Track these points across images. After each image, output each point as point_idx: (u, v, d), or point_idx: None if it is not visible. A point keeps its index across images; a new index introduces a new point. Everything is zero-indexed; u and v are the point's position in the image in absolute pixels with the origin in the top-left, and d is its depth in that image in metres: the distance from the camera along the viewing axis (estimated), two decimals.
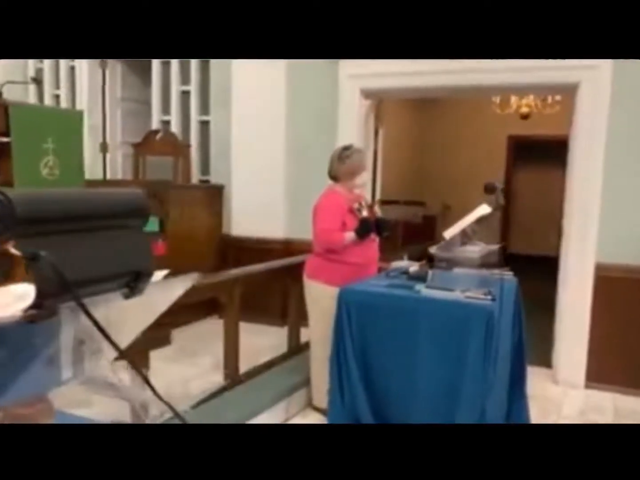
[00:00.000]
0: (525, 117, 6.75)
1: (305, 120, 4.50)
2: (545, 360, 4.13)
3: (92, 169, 5.55)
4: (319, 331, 3.10)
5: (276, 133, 4.54)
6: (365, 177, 3.23)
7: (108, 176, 5.48)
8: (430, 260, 3.14)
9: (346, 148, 3.14)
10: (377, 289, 2.81)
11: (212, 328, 4.15)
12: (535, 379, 3.84)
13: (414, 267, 3.08)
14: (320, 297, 3.07)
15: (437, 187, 8.90)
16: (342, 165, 3.07)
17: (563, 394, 3.77)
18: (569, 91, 3.84)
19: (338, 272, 3.05)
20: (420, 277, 2.97)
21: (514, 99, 6.57)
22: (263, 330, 4.44)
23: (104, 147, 5.49)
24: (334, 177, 3.14)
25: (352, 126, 4.29)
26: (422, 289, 2.72)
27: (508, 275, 3.21)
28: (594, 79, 3.62)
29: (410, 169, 8.59)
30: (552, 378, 3.99)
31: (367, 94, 4.29)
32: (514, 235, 9.49)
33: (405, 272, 3.10)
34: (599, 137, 3.67)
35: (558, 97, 6.23)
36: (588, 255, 3.76)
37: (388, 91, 4.24)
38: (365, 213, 3.10)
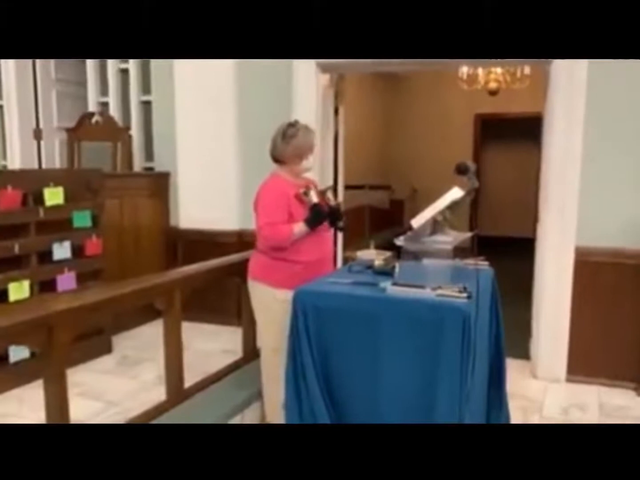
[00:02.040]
0: (493, 93, 6.43)
1: (256, 98, 4.07)
2: (523, 351, 3.85)
3: (25, 157, 5.03)
4: (269, 340, 2.72)
5: (225, 113, 4.10)
6: (312, 160, 2.81)
7: (43, 165, 4.98)
8: (398, 252, 2.78)
9: (291, 125, 2.71)
10: (336, 289, 2.43)
11: (161, 332, 3.75)
12: (513, 373, 3.54)
13: (379, 260, 2.71)
14: (268, 302, 2.68)
15: (404, 170, 8.56)
16: (286, 146, 2.65)
17: (544, 389, 3.49)
18: (542, 63, 3.51)
19: (287, 272, 2.64)
20: (387, 272, 2.62)
21: (481, 74, 6.23)
22: (217, 332, 4.05)
23: (37, 134, 4.96)
24: (277, 159, 2.72)
25: (309, 104, 3.88)
26: (388, 287, 2.36)
27: (483, 265, 2.88)
28: None
29: (376, 150, 8.23)
30: (531, 372, 3.71)
31: (324, 67, 3.88)
32: (484, 217, 9.24)
33: (370, 267, 2.74)
34: (577, 112, 3.35)
35: (527, 71, 5.92)
36: (567, 239, 3.46)
37: (347, 64, 3.84)
38: (315, 198, 2.68)
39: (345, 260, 4.43)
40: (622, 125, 3.31)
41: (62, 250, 3.22)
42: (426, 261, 2.74)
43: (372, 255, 2.88)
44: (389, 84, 8.30)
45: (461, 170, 2.50)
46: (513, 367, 3.66)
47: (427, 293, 2.30)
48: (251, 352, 3.29)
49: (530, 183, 6.07)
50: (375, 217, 5.85)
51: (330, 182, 4.14)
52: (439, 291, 2.29)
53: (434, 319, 2.22)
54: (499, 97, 6.92)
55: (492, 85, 6.21)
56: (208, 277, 3.06)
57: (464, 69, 6.22)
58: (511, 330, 3.92)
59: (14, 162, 4.98)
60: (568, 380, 3.55)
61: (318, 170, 3.89)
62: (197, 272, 2.94)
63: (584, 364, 3.50)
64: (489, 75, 6.19)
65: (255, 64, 3.98)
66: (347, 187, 5.96)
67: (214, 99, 4.10)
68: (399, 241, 2.60)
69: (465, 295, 2.24)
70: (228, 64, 4.02)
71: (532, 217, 4.27)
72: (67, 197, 3.27)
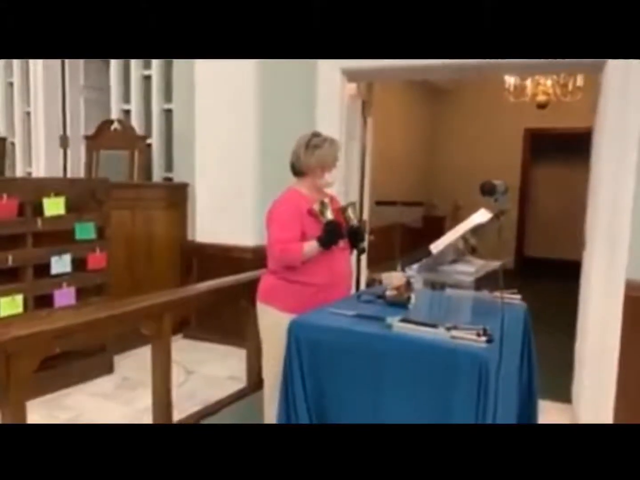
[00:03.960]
0: (542, 106, 5.99)
1: (278, 109, 3.83)
2: (565, 393, 3.41)
3: (50, 164, 4.97)
4: (273, 369, 2.45)
5: (245, 124, 3.88)
6: (335, 174, 2.56)
7: (69, 173, 4.90)
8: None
9: (316, 135, 2.52)
10: (335, 322, 2.13)
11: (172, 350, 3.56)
12: (552, 418, 3.14)
13: (390, 290, 2.40)
14: (274, 327, 2.42)
15: (448, 186, 8.16)
16: (310, 156, 2.45)
17: None
18: (595, 70, 3.12)
19: (296, 295, 2.42)
20: (401, 304, 2.30)
21: (529, 86, 5.81)
22: (229, 355, 3.80)
23: (63, 141, 4.90)
24: (298, 171, 2.52)
25: (333, 115, 3.60)
26: (395, 324, 2.04)
27: (514, 299, 2.52)
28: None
29: (416, 165, 7.87)
30: (571, 417, 3.27)
31: (350, 75, 3.60)
32: (533, 237, 8.75)
33: (381, 296, 2.42)
34: (632, 127, 2.94)
35: (580, 83, 5.46)
36: (617, 270, 3.03)
37: (376, 71, 3.54)
38: (330, 215, 2.43)
39: (369, 283, 4.13)
40: None
41: (60, 264, 3.06)
42: (450, 291, 2.41)
43: (398, 277, 2.56)
44: (431, 97, 7.96)
45: (486, 190, 2.16)
46: (552, 413, 3.26)
47: (440, 334, 1.96)
48: (256, 382, 3.02)
49: (584, 203, 5.61)
50: (407, 235, 5.51)
51: (354, 198, 3.85)
52: (454, 332, 1.95)
53: (446, 365, 1.88)
54: (549, 111, 6.47)
55: (541, 98, 5.78)
56: (207, 300, 2.81)
57: (510, 80, 5.83)
58: (553, 368, 3.52)
59: (39, 169, 4.93)
60: None
61: (341, 185, 3.61)
62: (193, 295, 2.70)
63: (634, 409, 3.04)
64: (537, 87, 5.76)
65: (277, 73, 3.76)
66: (379, 203, 5.68)
67: (235, 109, 3.89)
68: (411, 270, 2.28)
69: (484, 339, 1.90)
70: (250, 72, 3.80)
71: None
72: (70, 207, 3.12)
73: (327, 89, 3.59)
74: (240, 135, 3.90)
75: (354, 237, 2.56)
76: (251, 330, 2.92)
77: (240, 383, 3.17)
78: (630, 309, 3.01)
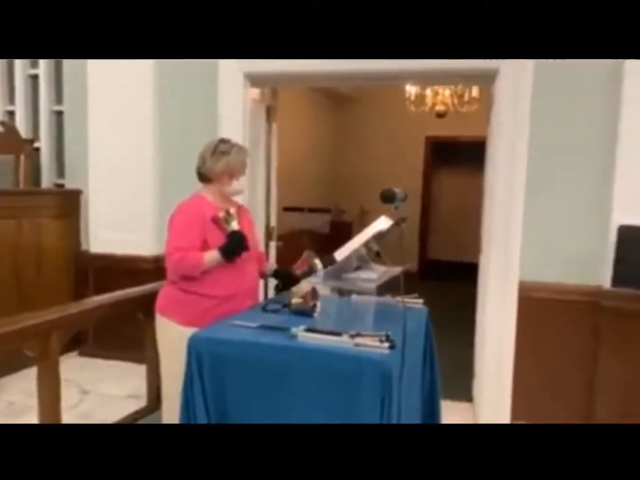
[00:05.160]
0: (441, 115, 6.25)
1: (179, 113, 3.69)
2: (467, 393, 3.54)
3: None
4: (173, 386, 2.32)
5: (143, 127, 3.70)
6: (243, 182, 2.49)
7: None
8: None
9: (224, 141, 2.45)
10: (238, 335, 2.05)
11: (66, 369, 3.30)
12: (455, 418, 3.23)
13: (296, 298, 2.35)
14: (173, 342, 2.31)
15: (354, 192, 8.30)
16: (216, 162, 2.37)
17: None
18: (488, 80, 3.27)
19: (197, 307, 2.33)
20: (306, 312, 2.27)
21: (429, 96, 6.04)
22: (130, 372, 3.58)
23: None
24: (204, 177, 2.43)
25: (236, 119, 3.51)
26: (299, 333, 2.00)
27: (416, 303, 2.57)
28: (515, 65, 3.05)
29: (323, 171, 7.95)
30: (474, 416, 3.39)
31: (253, 79, 3.54)
32: (435, 241, 9.10)
33: (286, 305, 2.38)
34: (522, 136, 3.11)
35: (475, 94, 5.76)
36: (511, 272, 3.19)
37: (280, 77, 3.51)
38: (235, 225, 2.35)
39: (278, 290, 4.07)
40: (568, 155, 3.08)
41: None
42: (355, 298, 2.42)
43: (307, 285, 2.51)
44: (337, 104, 8.08)
45: (386, 197, 2.18)
46: (454, 411, 3.37)
47: (344, 342, 1.95)
48: (157, 400, 2.86)
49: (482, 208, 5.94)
50: (316, 242, 5.53)
51: (260, 204, 3.79)
52: (358, 339, 1.94)
53: (350, 372, 1.87)
54: (448, 120, 6.76)
55: (440, 107, 6.03)
56: (103, 315, 2.63)
57: (411, 89, 6.03)
58: (455, 369, 3.64)
59: None
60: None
61: (247, 191, 3.53)
62: (87, 310, 2.52)
63: (530, 409, 3.21)
64: (436, 97, 6.00)
65: (177, 74, 3.62)
66: (286, 209, 5.66)
67: (131, 111, 3.70)
68: (317, 277, 2.25)
69: (387, 345, 1.90)
70: (146, 73, 3.62)
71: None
72: None
73: (230, 93, 3.51)
74: (138, 139, 3.71)
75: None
76: (150, 345, 2.77)
77: (141, 401, 3.00)
78: (524, 309, 3.18)
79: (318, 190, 7.55)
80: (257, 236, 2.83)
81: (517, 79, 3.08)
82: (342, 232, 6.80)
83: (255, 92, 3.66)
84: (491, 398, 3.29)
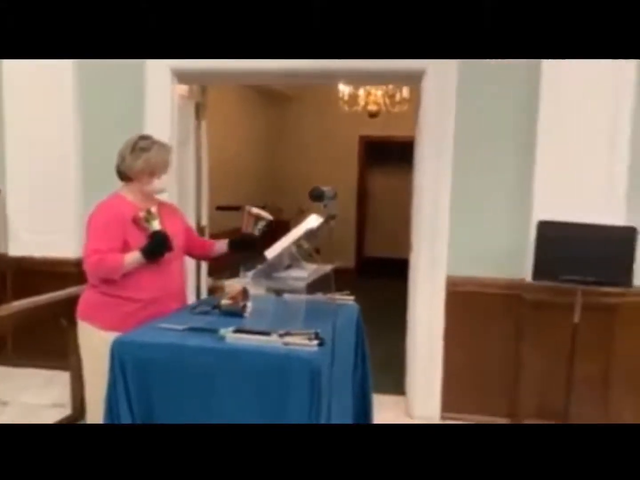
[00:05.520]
0: (374, 115, 6.34)
1: (103, 109, 3.54)
2: (399, 387, 3.61)
3: None
4: (97, 393, 2.22)
5: (64, 124, 3.53)
6: (166, 180, 2.41)
7: None
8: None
9: (143, 137, 2.37)
10: (164, 338, 1.99)
11: None
12: (387, 413, 3.30)
13: (225, 299, 2.31)
14: (96, 347, 2.21)
15: (292, 190, 8.27)
16: (136, 160, 2.28)
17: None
18: (415, 80, 3.34)
19: (120, 311, 2.25)
20: (236, 313, 2.24)
21: (361, 96, 6.12)
22: (54, 380, 3.41)
23: None
24: (124, 175, 2.34)
25: (163, 117, 3.42)
26: (228, 334, 1.97)
27: (348, 300, 2.58)
28: (440, 65, 3.13)
29: (259, 169, 7.89)
30: (406, 410, 3.46)
31: (181, 76, 3.45)
32: (371, 238, 9.22)
33: (216, 306, 2.33)
34: (447, 136, 3.20)
35: (406, 94, 5.88)
36: (439, 268, 3.28)
37: (208, 74, 3.44)
38: (157, 225, 2.28)
39: (210, 291, 4.00)
40: (490, 155, 3.20)
41: None
42: (287, 297, 2.41)
43: (245, 284, 2.47)
44: (272, 102, 8.03)
45: (315, 196, 2.17)
46: (387, 406, 3.43)
47: (273, 341, 1.93)
48: (82, 408, 2.74)
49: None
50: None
51: (190, 203, 3.72)
52: (287, 338, 1.93)
53: (279, 371, 1.86)
54: (381, 120, 6.88)
55: (372, 107, 6.12)
56: (21, 321, 2.49)
57: (345, 89, 6.09)
58: (389, 364, 3.70)
59: None
60: (443, 417, 3.35)
61: (175, 190, 3.45)
62: (3, 316, 2.37)
63: (458, 399, 3.31)
64: (369, 97, 6.09)
65: (100, 70, 3.47)
66: (220, 208, 5.57)
67: (51, 107, 3.52)
68: (247, 277, 2.23)
69: (315, 342, 1.91)
70: (67, 69, 3.46)
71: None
72: None
73: (156, 89, 3.41)
74: (59, 137, 3.54)
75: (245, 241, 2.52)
76: (74, 351, 2.65)
77: (65, 410, 2.87)
78: (451, 303, 3.27)
79: (254, 189, 7.48)
80: (193, 231, 2.77)
81: (442, 79, 3.17)
82: (279, 231, 6.78)
83: (183, 89, 3.58)
84: (422, 391, 3.37)
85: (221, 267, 4.21)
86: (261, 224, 2.55)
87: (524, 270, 3.05)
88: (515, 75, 3.11)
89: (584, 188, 2.96)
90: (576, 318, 2.86)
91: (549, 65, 2.95)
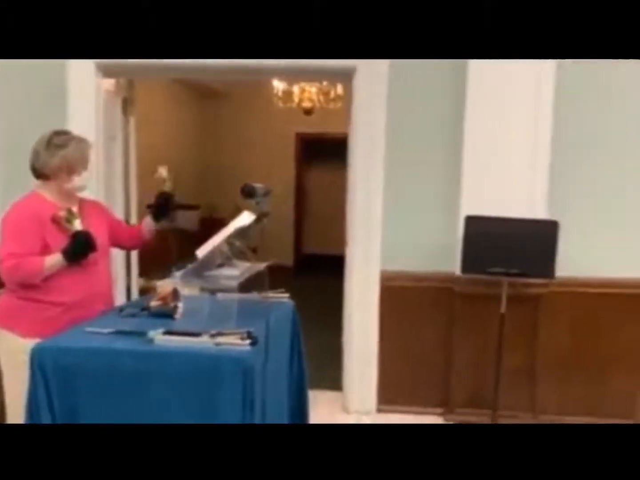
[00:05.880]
0: (308, 112, 6.36)
1: (22, 104, 3.36)
2: (337, 383, 3.63)
3: None
4: (16, 401, 2.09)
5: None
6: (86, 177, 2.31)
7: None
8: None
9: (59, 133, 2.25)
10: (89, 343, 1.91)
11: None
12: (324, 408, 3.32)
13: (155, 300, 2.25)
14: (15, 355, 2.10)
15: (228, 188, 8.14)
16: (51, 157, 2.18)
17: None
18: (346, 78, 3.36)
19: (41, 316, 2.15)
20: (167, 314, 2.18)
21: (296, 92, 6.11)
22: None
23: None
24: (39, 173, 2.22)
25: (87, 112, 3.27)
26: (157, 337, 1.91)
27: (283, 297, 2.57)
28: (371, 64, 3.16)
29: (192, 167, 7.72)
30: (342, 405, 3.49)
31: (106, 69, 3.32)
32: (310, 235, 9.24)
33: (145, 308, 2.26)
34: (379, 133, 3.24)
35: (340, 91, 5.93)
36: (373, 263, 3.33)
37: (134, 67, 3.31)
38: (78, 225, 2.18)
39: (142, 292, 3.88)
40: (421, 152, 3.27)
41: None
42: (220, 296, 2.37)
43: (177, 285, 2.40)
44: (206, 98, 7.90)
45: (246, 193, 2.15)
46: (324, 401, 3.45)
47: (204, 342, 1.89)
48: (2, 418, 2.59)
49: None
50: (185, 240, 5.35)
51: (119, 201, 3.58)
52: (219, 339, 1.89)
53: (210, 372, 1.83)
54: (316, 117, 6.90)
55: (307, 104, 6.12)
56: None
57: (279, 85, 6.06)
58: (327, 360, 3.72)
59: None
60: (379, 410, 3.40)
61: (102, 188, 3.32)
62: None
63: (394, 392, 3.37)
64: (303, 93, 6.09)
65: (19, 62, 3.27)
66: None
67: None
68: (176, 277, 2.17)
69: (248, 342, 1.88)
70: None
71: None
72: None
73: (80, 83, 3.26)
74: None
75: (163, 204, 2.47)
76: None
77: None
78: (385, 298, 3.33)
79: (187, 187, 7.31)
80: (121, 224, 2.69)
81: (373, 78, 3.20)
82: (214, 229, 6.66)
83: (109, 83, 3.44)
84: (358, 386, 3.42)
85: (155, 268, 4.11)
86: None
87: (454, 263, 3.14)
88: (444, 75, 3.19)
89: (509, 184, 3.08)
90: (503, 308, 2.98)
91: (474, 65, 3.05)
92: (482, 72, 3.02)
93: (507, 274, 2.90)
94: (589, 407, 3.24)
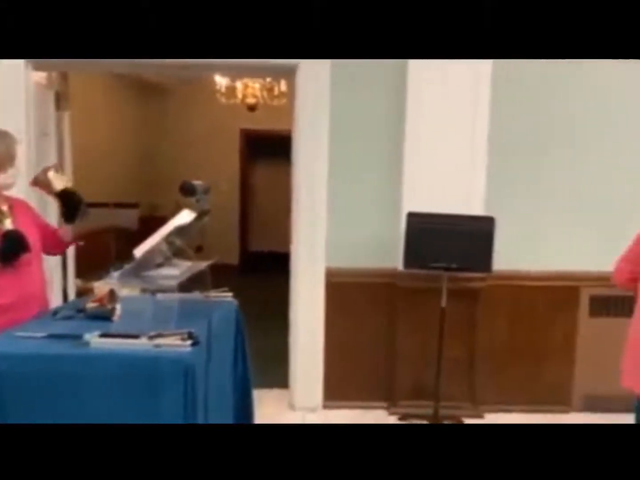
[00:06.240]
0: (252, 108, 6.30)
1: None
2: (283, 381, 3.62)
3: None
4: None
5: None
6: (13, 174, 2.20)
7: None
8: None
9: None
10: (19, 348, 1.81)
11: None
12: (270, 406, 3.31)
13: (91, 302, 2.17)
14: None
15: (170, 185, 7.97)
16: None
17: (300, 420, 3.29)
18: (289, 75, 3.35)
19: None
20: (104, 316, 2.10)
21: (239, 88, 6.04)
22: None
23: None
24: None
25: (16, 107, 3.10)
26: (93, 340, 1.84)
27: (226, 297, 2.53)
28: (313, 62, 3.16)
29: (132, 164, 7.50)
30: (289, 402, 3.49)
31: (36, 63, 3.16)
32: (255, 233, 9.17)
33: (81, 310, 2.17)
34: (322, 129, 3.25)
35: (284, 88, 5.90)
36: (318, 260, 3.33)
37: (63, 62, 3.16)
38: (9, 224, 2.08)
39: (79, 294, 3.74)
40: (363, 150, 3.30)
41: None
42: (160, 297, 2.30)
43: (115, 286, 2.31)
44: (147, 94, 7.68)
45: (185, 190, 2.10)
46: (270, 399, 3.44)
47: (142, 344, 1.84)
48: None
49: None
50: (123, 239, 5.20)
51: (52, 200, 3.42)
52: (158, 340, 1.85)
53: (149, 375, 1.77)
54: (261, 113, 6.85)
55: (250, 100, 6.07)
56: None
57: (222, 81, 5.97)
58: (273, 358, 3.70)
59: None
60: (325, 407, 3.42)
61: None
62: None
63: (339, 388, 3.39)
64: (246, 90, 6.02)
65: None
66: (87, 205, 5.22)
67: None
68: (113, 277, 2.10)
69: (189, 342, 1.84)
70: None
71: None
72: None
73: (7, 76, 3.08)
74: None
75: (70, 206, 2.34)
76: None
77: None
78: (330, 294, 3.34)
79: (127, 185, 7.11)
80: (49, 227, 2.55)
81: (315, 75, 3.20)
82: (154, 228, 6.49)
83: (40, 76, 3.29)
84: (304, 383, 3.42)
85: (92, 269, 3.97)
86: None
87: (396, 259, 3.19)
88: (385, 74, 3.23)
89: (448, 181, 3.16)
90: (443, 302, 3.05)
91: (414, 65, 3.10)
92: (421, 71, 3.08)
93: (447, 269, 2.97)
94: (526, 397, 3.37)
